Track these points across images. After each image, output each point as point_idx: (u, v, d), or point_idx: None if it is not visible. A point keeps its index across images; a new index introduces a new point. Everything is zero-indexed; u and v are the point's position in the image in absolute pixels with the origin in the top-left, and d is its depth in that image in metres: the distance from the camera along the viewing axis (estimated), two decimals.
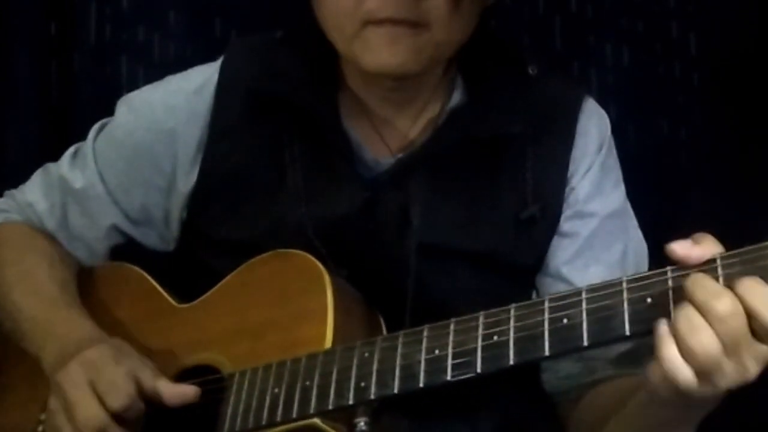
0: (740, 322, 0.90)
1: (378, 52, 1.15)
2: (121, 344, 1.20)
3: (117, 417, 1.13)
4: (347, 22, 1.16)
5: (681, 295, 0.93)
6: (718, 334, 0.90)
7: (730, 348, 0.90)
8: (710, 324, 0.90)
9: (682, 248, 0.94)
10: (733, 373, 0.91)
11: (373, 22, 1.14)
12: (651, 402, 1.02)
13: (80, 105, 1.79)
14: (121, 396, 1.13)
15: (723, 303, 0.90)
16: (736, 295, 0.90)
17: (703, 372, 0.91)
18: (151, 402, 1.16)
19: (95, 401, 1.12)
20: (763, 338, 0.91)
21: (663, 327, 0.93)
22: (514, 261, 1.25)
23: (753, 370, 0.91)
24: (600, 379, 1.20)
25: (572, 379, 1.23)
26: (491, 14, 1.26)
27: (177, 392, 1.17)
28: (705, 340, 0.90)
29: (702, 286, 0.92)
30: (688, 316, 0.91)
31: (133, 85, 1.67)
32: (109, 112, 1.38)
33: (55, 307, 1.27)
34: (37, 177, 1.40)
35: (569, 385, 1.24)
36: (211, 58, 1.35)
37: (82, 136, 1.40)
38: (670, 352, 0.92)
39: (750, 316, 0.90)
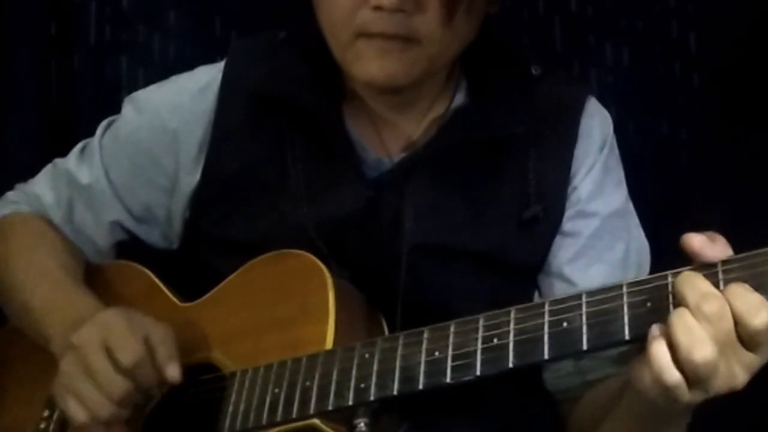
0: (727, 326, 0.90)
1: (368, 64, 1.16)
2: (134, 311, 1.18)
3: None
4: (341, 31, 1.17)
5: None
6: (711, 338, 0.89)
7: (720, 352, 0.90)
8: (701, 326, 0.89)
9: (699, 242, 0.93)
10: (721, 379, 0.91)
11: (366, 35, 1.15)
12: (639, 399, 1.02)
13: (80, 105, 1.79)
14: (129, 352, 1.11)
15: (710, 305, 0.90)
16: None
17: (697, 379, 0.90)
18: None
19: (111, 364, 1.11)
20: (748, 345, 0.90)
21: (656, 329, 0.93)
22: (517, 261, 1.25)
23: (741, 377, 0.91)
24: (599, 378, 1.21)
25: (572, 378, 1.24)
26: (493, 18, 1.26)
27: (175, 373, 1.14)
28: (706, 351, 0.89)
29: (693, 285, 0.92)
30: (686, 324, 0.90)
31: (133, 85, 1.68)
32: (109, 112, 1.39)
33: (65, 290, 1.27)
34: (45, 171, 1.42)
35: (569, 384, 1.24)
36: (211, 58, 1.35)
37: (81, 136, 1.41)
38: (660, 353, 0.91)
39: (736, 322, 0.90)
